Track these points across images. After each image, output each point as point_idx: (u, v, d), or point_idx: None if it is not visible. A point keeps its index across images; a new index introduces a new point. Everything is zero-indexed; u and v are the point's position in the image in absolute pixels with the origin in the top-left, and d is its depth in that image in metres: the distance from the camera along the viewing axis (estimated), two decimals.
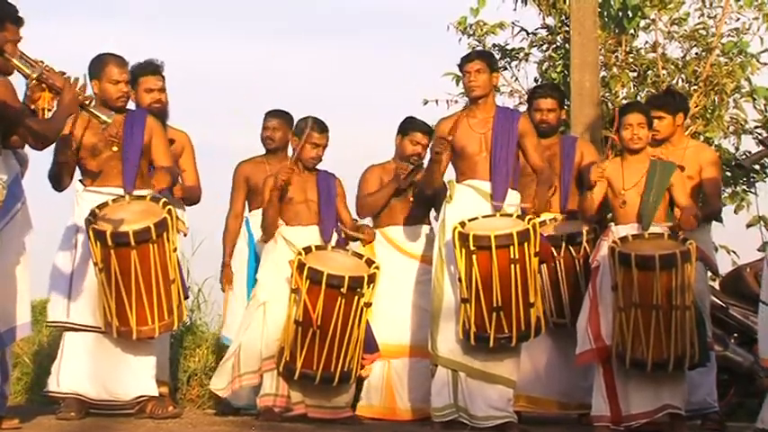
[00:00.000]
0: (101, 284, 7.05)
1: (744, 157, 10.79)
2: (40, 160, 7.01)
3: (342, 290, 7.25)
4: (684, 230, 7.07)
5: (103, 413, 7.22)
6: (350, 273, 7.31)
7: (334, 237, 7.70)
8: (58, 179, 7.23)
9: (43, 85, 6.58)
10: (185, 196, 7.92)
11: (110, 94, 7.27)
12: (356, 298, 7.31)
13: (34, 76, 6.28)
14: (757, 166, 10.85)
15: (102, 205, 7.12)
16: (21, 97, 6.58)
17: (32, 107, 6.61)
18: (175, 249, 7.17)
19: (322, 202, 7.69)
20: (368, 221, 8.10)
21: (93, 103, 6.87)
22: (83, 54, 6.73)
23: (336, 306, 7.27)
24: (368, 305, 7.37)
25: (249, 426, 7.18)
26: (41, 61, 6.63)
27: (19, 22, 6.48)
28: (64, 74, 6.63)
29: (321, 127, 7.71)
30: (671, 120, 7.71)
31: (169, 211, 7.08)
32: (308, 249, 7.43)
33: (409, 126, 8.10)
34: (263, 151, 8.34)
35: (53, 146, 6.88)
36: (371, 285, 7.36)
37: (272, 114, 8.35)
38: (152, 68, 7.84)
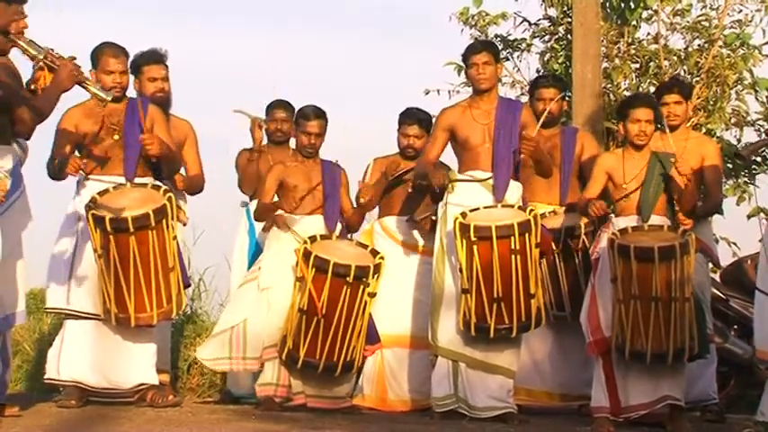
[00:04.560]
0: (100, 271, 7.06)
1: (743, 146, 10.79)
2: (41, 146, 7.02)
3: (348, 279, 7.26)
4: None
5: (103, 401, 7.23)
6: (356, 262, 7.32)
7: (338, 226, 7.71)
8: (57, 174, 7.23)
9: (42, 65, 6.55)
10: (187, 185, 7.91)
11: (105, 84, 7.27)
12: (361, 287, 7.32)
13: (40, 57, 6.23)
14: (759, 159, 10.84)
15: (103, 192, 7.13)
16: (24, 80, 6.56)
17: (33, 87, 6.57)
18: (175, 237, 7.16)
19: (327, 192, 7.68)
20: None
21: (92, 80, 6.82)
22: (79, 44, 6.72)
23: (341, 295, 7.28)
24: (372, 295, 7.37)
25: (249, 415, 7.18)
26: (51, 49, 6.61)
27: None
28: (74, 59, 6.62)
29: (316, 114, 7.69)
30: (686, 106, 7.74)
31: (169, 199, 7.08)
32: (313, 238, 7.44)
33: (401, 119, 8.10)
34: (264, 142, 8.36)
35: (52, 140, 6.87)
36: (377, 275, 7.37)
37: (278, 106, 8.32)
38: (156, 57, 7.82)
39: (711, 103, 10.95)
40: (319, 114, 7.70)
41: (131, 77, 7.56)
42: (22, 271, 6.49)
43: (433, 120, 8.00)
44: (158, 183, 7.28)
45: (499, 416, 7.25)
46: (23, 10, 6.43)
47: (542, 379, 7.92)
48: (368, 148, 8.41)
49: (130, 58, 7.52)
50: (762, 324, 7.05)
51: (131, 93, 7.57)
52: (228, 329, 7.59)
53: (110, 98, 6.75)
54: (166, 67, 7.86)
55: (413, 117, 8.05)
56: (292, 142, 8.08)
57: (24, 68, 6.58)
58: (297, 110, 7.89)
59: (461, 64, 9.06)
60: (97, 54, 7.31)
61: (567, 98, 8.83)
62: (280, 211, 7.65)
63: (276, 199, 7.66)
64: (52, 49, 6.54)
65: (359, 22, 23.13)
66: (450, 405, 7.34)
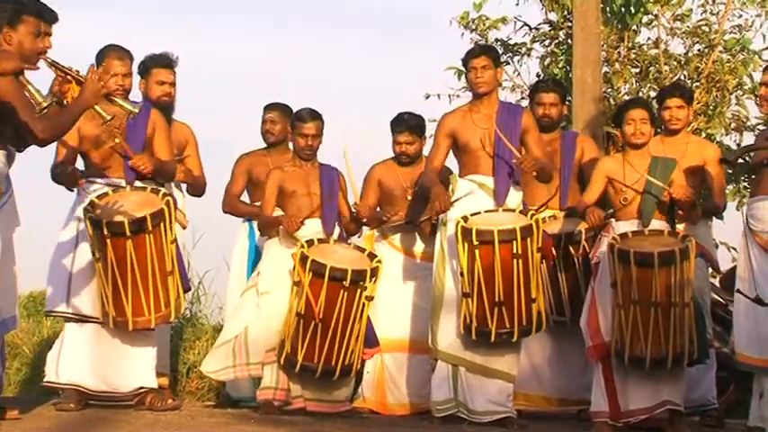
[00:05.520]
0: (98, 274, 7.05)
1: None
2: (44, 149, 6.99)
3: (344, 283, 7.25)
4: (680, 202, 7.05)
5: (103, 404, 7.22)
6: (353, 266, 7.31)
7: (336, 230, 7.71)
8: (57, 181, 7.23)
9: (69, 78, 6.55)
10: (189, 183, 7.92)
11: (108, 87, 7.26)
12: (358, 291, 7.31)
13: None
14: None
15: (102, 195, 7.13)
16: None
17: (63, 101, 6.55)
18: (174, 241, 7.14)
19: (324, 196, 7.68)
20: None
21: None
22: (79, 44, 6.71)
23: (339, 299, 7.27)
24: (370, 299, 7.37)
25: (248, 418, 7.18)
26: (77, 70, 6.61)
27: (40, 16, 6.32)
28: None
29: (311, 115, 7.69)
30: (688, 110, 7.75)
31: (167, 203, 7.07)
32: (310, 242, 7.43)
33: (392, 126, 8.07)
34: (264, 146, 8.35)
35: (55, 143, 6.84)
36: (374, 279, 7.36)
37: (270, 107, 8.33)
38: (166, 61, 7.83)
39: (711, 107, 10.95)
40: (315, 116, 7.71)
41: (138, 77, 7.57)
42: (15, 275, 6.48)
43: (426, 122, 8.05)
44: (158, 186, 7.27)
45: (498, 420, 7.25)
46: (50, 29, 6.39)
47: (540, 384, 7.91)
48: (369, 149, 8.41)
49: (141, 59, 7.53)
50: (741, 328, 7.07)
51: (136, 93, 7.58)
52: (231, 339, 7.59)
53: (137, 110, 6.78)
54: (175, 72, 7.86)
55: (403, 124, 8.03)
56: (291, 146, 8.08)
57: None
58: (293, 113, 7.89)
59: (461, 68, 9.06)
60: (102, 56, 7.31)
61: (567, 102, 8.83)
62: (280, 212, 7.65)
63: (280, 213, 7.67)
64: (78, 71, 6.54)
65: (359, 22, 23.18)
66: (450, 409, 7.33)
